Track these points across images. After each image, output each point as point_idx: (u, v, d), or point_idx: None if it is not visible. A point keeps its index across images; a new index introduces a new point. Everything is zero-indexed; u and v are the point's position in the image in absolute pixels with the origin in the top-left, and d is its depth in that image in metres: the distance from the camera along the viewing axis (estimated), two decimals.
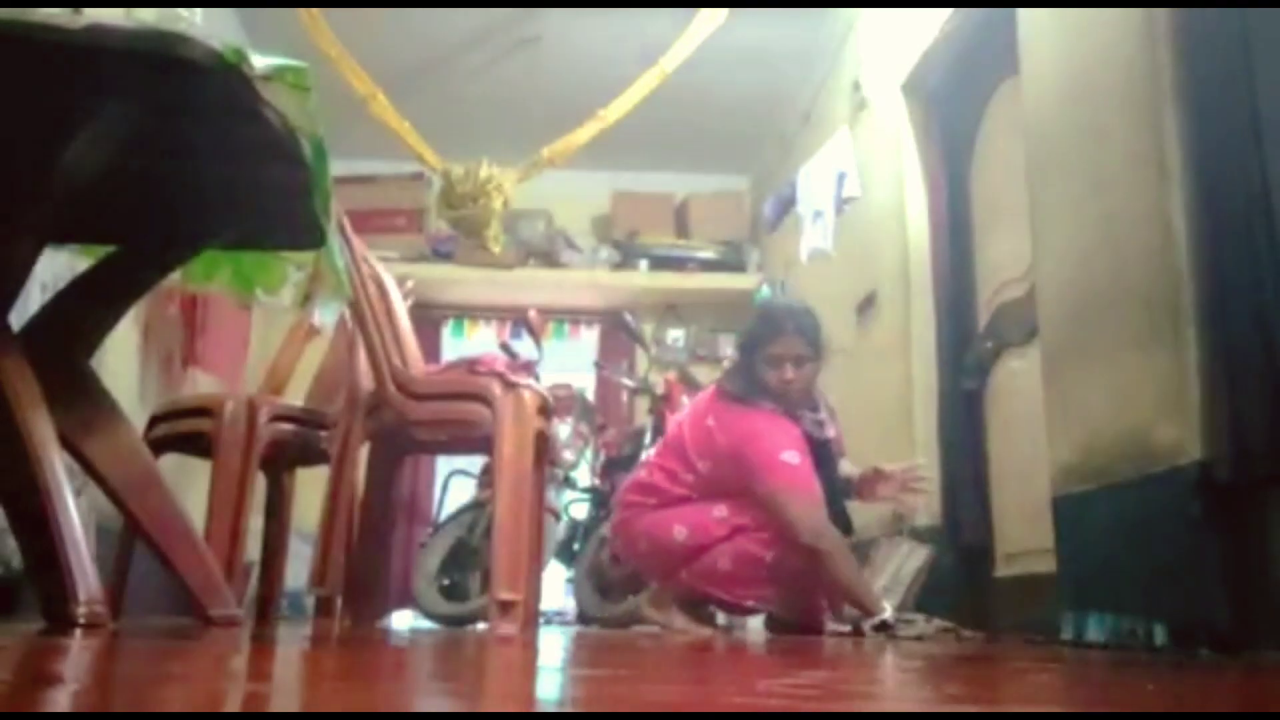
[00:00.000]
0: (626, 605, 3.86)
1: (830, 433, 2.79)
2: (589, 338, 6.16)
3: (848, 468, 2.90)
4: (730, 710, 0.77)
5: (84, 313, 1.81)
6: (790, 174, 4.87)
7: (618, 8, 4.54)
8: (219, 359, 4.45)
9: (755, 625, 3.27)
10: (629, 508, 2.82)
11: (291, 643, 1.67)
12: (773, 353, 2.72)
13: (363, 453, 2.77)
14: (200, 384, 4.30)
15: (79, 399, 1.75)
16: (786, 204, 5.05)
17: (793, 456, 2.61)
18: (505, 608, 2.39)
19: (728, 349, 5.24)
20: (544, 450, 2.71)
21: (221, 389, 4.26)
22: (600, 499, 4.31)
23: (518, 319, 5.23)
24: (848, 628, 2.64)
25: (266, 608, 3.02)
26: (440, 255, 5.68)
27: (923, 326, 3.69)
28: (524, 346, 4.71)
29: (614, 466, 4.38)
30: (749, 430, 2.66)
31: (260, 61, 1.39)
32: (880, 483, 2.82)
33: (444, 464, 5.71)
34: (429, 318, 5.95)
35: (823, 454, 2.72)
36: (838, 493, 2.74)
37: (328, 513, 2.66)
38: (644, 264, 5.83)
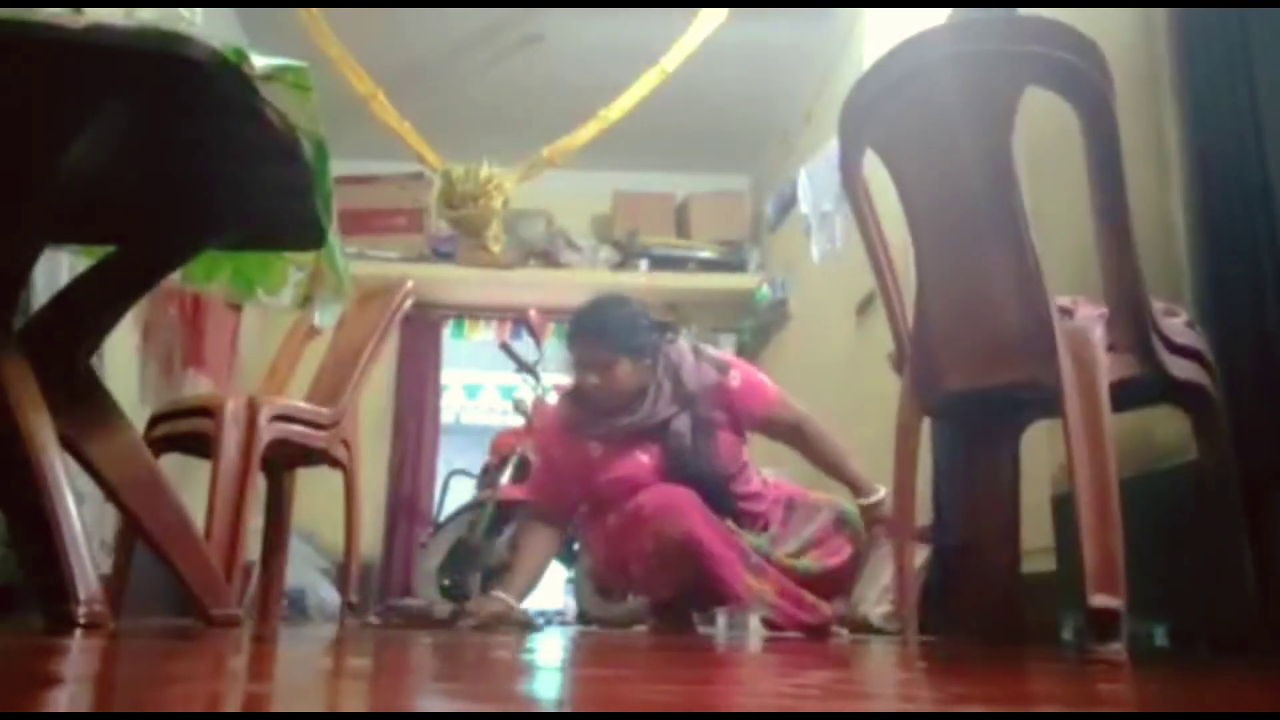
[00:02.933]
0: (627, 605, 3.86)
1: (666, 412, 2.59)
2: None
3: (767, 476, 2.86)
4: (730, 710, 0.77)
5: (84, 313, 1.81)
6: (791, 174, 4.87)
7: (618, 7, 4.54)
8: (208, 361, 4.45)
9: (754, 626, 3.27)
10: None
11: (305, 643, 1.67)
12: (571, 363, 2.63)
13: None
14: (199, 385, 4.30)
15: (79, 399, 1.74)
16: (788, 203, 5.05)
17: (537, 464, 2.92)
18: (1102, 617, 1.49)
19: (727, 348, 5.24)
20: None
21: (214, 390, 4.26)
22: None
23: (518, 319, 5.23)
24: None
25: (266, 608, 3.02)
26: (440, 255, 5.68)
27: None
28: (524, 347, 4.72)
29: None
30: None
31: (260, 61, 1.40)
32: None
33: (444, 464, 5.72)
34: (429, 318, 5.95)
35: (663, 435, 2.58)
36: (706, 475, 2.55)
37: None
38: (644, 264, 5.83)
